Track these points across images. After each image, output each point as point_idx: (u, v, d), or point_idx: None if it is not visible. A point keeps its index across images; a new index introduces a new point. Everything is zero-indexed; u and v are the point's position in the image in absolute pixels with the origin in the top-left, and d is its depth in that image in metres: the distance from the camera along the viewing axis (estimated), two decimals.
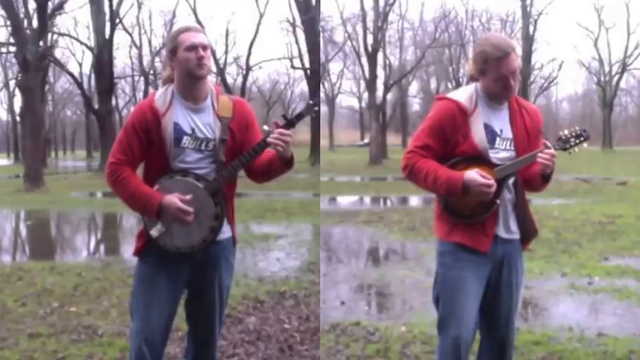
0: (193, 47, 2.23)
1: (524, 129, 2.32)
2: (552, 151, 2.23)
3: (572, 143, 2.29)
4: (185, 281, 2.36)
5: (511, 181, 2.31)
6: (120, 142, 2.27)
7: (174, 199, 2.20)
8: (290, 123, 2.25)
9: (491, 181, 2.21)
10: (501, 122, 2.30)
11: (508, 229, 2.34)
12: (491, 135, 2.27)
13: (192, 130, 2.28)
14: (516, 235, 2.38)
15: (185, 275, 2.35)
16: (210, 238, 2.28)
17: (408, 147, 2.34)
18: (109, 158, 2.30)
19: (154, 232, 2.26)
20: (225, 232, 2.35)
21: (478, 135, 2.24)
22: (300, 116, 2.29)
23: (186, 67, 2.24)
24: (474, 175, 2.20)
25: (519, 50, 2.26)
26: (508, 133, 2.30)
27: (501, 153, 2.28)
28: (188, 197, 2.22)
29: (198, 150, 2.28)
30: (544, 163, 2.23)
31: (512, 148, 2.29)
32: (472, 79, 2.34)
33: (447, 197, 2.29)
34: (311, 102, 2.34)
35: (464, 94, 2.29)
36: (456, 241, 2.30)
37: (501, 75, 2.22)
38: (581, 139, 2.29)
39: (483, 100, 2.30)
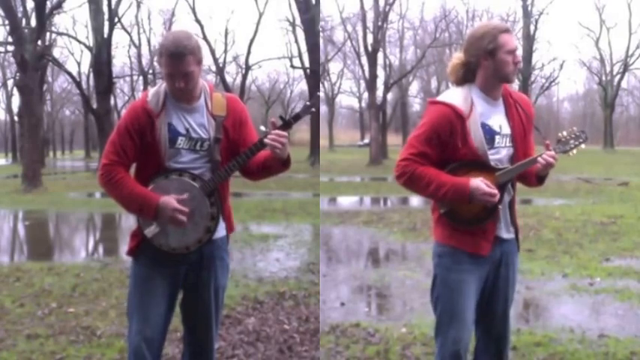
0: (170, 76, 2.19)
1: (520, 123, 2.30)
2: (554, 153, 2.23)
3: (572, 145, 2.28)
4: (181, 281, 2.35)
5: (509, 183, 2.31)
6: (113, 143, 2.25)
7: (170, 199, 2.19)
8: (287, 124, 2.24)
9: (496, 191, 2.18)
10: (499, 118, 2.27)
11: (508, 229, 2.34)
12: (490, 134, 2.23)
13: (187, 130, 2.27)
14: (513, 234, 2.37)
15: (180, 275, 2.33)
16: (205, 238, 2.27)
17: (401, 154, 2.27)
18: (101, 160, 2.28)
19: (149, 233, 2.24)
20: (220, 231, 2.33)
21: (477, 138, 2.20)
22: (297, 117, 2.28)
23: (169, 88, 2.24)
24: (479, 183, 2.17)
25: None
26: (507, 129, 2.27)
27: (502, 151, 2.25)
28: (184, 196, 2.20)
29: (193, 150, 2.27)
30: (545, 165, 2.21)
31: (511, 144, 2.27)
32: (459, 82, 2.27)
33: (449, 203, 2.25)
34: (308, 103, 2.33)
35: (458, 97, 2.23)
36: (455, 245, 2.28)
37: (513, 48, 2.21)
38: (580, 140, 2.28)
39: (480, 97, 2.25)
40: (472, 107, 2.21)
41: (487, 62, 2.21)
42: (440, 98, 2.27)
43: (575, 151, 2.28)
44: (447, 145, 2.21)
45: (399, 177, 2.26)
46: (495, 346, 2.41)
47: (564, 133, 2.29)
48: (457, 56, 2.29)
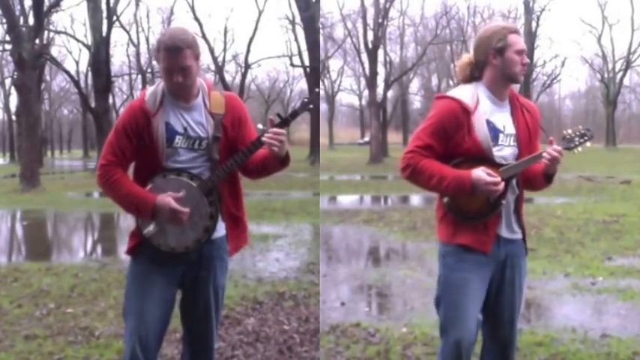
0: (168, 71, 2.16)
1: (525, 125, 2.31)
2: (559, 148, 2.22)
3: (577, 142, 2.29)
4: (179, 281, 2.32)
5: (514, 181, 2.30)
6: (110, 143, 2.24)
7: (168, 199, 2.17)
8: (285, 121, 2.21)
9: (498, 179, 2.18)
10: (504, 118, 2.28)
11: (511, 228, 2.32)
12: (494, 132, 2.24)
13: (185, 129, 2.24)
14: (519, 235, 2.36)
15: (179, 275, 2.31)
16: (204, 238, 2.25)
17: (407, 147, 2.30)
18: (99, 160, 2.27)
19: (148, 232, 2.22)
20: (220, 231, 2.31)
21: (482, 133, 2.21)
22: (295, 114, 2.25)
23: (167, 84, 2.21)
24: (481, 173, 2.17)
25: None
26: (511, 129, 2.28)
27: (505, 149, 2.26)
28: (181, 194, 2.18)
29: (191, 149, 2.25)
30: (551, 160, 2.20)
31: (515, 144, 2.28)
32: (466, 80, 2.31)
33: (453, 197, 2.25)
34: (306, 99, 2.30)
35: (465, 92, 2.26)
36: (459, 242, 2.27)
37: (522, 48, 2.25)
38: (585, 138, 2.29)
39: (486, 96, 2.27)
40: (477, 103, 2.24)
41: (496, 60, 2.24)
42: (447, 93, 2.31)
43: (580, 148, 2.28)
44: (452, 139, 2.22)
45: (403, 169, 2.28)
46: (501, 351, 2.40)
47: (569, 130, 2.30)
48: (466, 55, 2.34)
